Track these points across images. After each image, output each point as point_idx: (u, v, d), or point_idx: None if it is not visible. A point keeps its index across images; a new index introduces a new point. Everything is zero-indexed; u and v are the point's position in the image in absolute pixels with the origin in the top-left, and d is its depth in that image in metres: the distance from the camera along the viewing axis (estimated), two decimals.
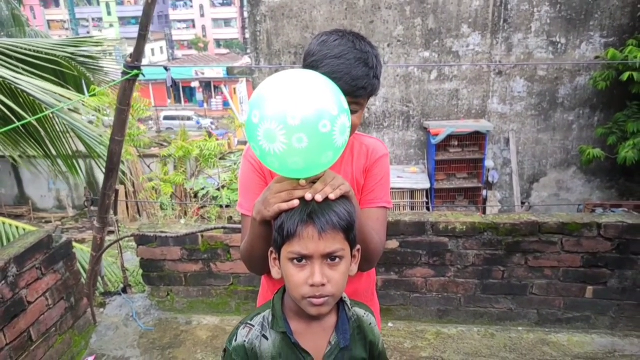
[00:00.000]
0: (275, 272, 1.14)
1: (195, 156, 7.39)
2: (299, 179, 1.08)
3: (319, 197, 1.04)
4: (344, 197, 1.09)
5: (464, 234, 2.89)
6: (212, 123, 25.56)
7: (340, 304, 1.16)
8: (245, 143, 12.68)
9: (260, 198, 1.15)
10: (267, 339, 1.13)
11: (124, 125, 2.92)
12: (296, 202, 1.05)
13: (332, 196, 1.06)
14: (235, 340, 1.14)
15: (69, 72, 3.64)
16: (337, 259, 1.05)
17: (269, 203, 1.10)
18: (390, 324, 3.07)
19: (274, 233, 1.10)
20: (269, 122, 0.99)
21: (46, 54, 3.47)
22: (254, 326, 1.15)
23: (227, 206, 6.59)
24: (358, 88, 1.22)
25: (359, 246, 1.14)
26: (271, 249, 1.14)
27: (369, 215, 1.34)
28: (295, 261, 1.04)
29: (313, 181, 1.08)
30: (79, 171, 3.74)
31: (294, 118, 0.98)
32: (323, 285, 1.03)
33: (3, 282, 2.30)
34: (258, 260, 1.26)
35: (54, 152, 3.60)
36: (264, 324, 1.15)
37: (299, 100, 1.00)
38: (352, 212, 1.08)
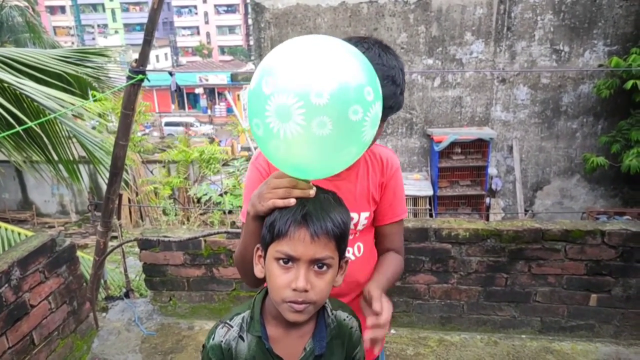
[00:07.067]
0: (258, 270, 1.10)
1: (197, 160, 7.44)
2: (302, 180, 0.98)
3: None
4: (341, 204, 1.05)
5: (467, 241, 2.88)
6: (213, 129, 25.60)
7: (320, 310, 1.12)
8: (248, 149, 12.68)
9: (256, 191, 1.09)
10: (243, 340, 1.09)
11: (128, 130, 2.94)
12: (293, 201, 0.99)
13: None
14: (213, 339, 1.11)
15: (75, 81, 3.67)
16: (325, 267, 1.00)
17: (263, 197, 1.04)
18: (392, 331, 3.06)
19: (263, 229, 1.05)
20: (285, 96, 0.78)
21: (53, 67, 3.48)
22: (232, 327, 1.11)
23: (230, 212, 6.60)
24: (385, 108, 1.12)
25: (347, 258, 1.10)
26: (258, 245, 1.08)
27: (392, 231, 1.34)
28: (281, 262, 0.99)
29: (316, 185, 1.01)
30: (80, 177, 3.74)
31: (320, 95, 0.77)
32: (306, 291, 0.98)
33: (6, 285, 2.30)
34: (250, 264, 1.18)
35: (56, 158, 3.61)
36: (243, 325, 1.11)
37: (328, 74, 0.78)
38: (348, 222, 1.05)
